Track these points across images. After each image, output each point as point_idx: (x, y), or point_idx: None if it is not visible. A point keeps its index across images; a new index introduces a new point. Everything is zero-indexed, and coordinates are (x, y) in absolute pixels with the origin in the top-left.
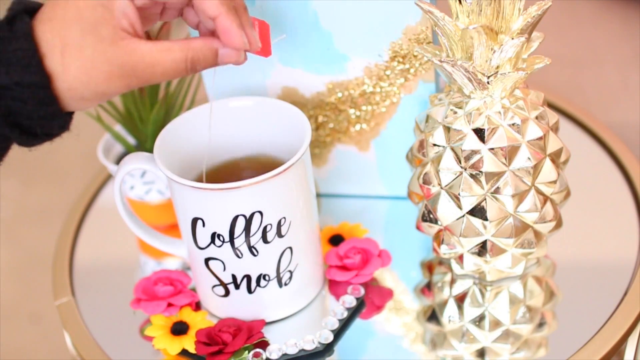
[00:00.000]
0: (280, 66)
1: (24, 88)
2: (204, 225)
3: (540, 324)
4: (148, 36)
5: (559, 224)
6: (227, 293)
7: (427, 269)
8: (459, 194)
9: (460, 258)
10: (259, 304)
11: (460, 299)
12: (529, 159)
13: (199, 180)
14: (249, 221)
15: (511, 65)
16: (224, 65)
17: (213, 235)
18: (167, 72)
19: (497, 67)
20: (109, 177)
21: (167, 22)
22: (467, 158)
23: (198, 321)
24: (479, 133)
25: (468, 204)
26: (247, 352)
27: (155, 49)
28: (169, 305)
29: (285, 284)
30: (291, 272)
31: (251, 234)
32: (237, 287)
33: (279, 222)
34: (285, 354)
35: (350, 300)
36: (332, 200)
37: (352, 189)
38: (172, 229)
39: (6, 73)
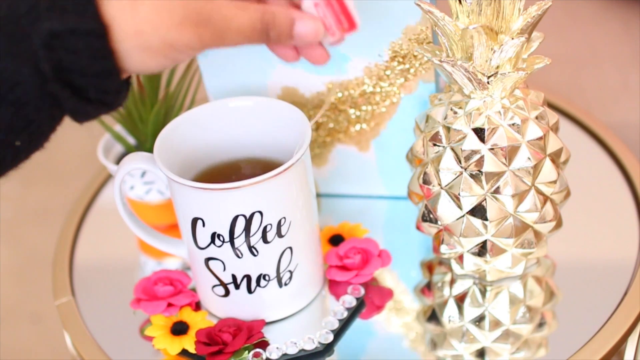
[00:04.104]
0: (280, 66)
1: (78, 36)
2: (204, 225)
3: (540, 324)
4: None
5: (559, 224)
6: (227, 293)
7: (427, 269)
8: (459, 194)
9: (460, 258)
10: (259, 304)
11: (460, 299)
12: (529, 159)
13: (199, 179)
14: (249, 221)
15: (511, 65)
16: (303, 42)
17: (213, 235)
18: (242, 28)
19: (497, 67)
20: (109, 177)
21: None
22: (467, 158)
23: (198, 321)
24: (479, 133)
25: (468, 204)
26: (247, 352)
27: (232, 4)
28: (169, 305)
29: (285, 284)
30: (291, 272)
31: (251, 234)
32: (237, 287)
33: (279, 222)
34: (285, 354)
35: (350, 300)
36: (332, 200)
37: (352, 189)
38: (172, 229)
39: (59, 19)
